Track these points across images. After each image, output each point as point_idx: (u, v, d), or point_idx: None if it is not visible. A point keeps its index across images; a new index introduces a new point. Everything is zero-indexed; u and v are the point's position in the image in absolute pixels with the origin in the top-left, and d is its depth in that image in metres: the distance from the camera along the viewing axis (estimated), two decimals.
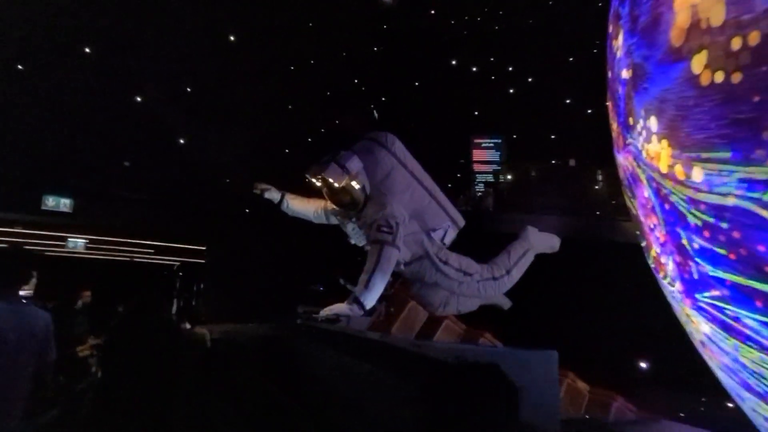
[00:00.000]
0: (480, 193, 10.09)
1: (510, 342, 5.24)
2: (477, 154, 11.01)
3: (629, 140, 3.52)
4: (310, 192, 4.86)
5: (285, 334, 3.19)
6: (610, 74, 4.14)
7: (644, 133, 3.10)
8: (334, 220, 4.72)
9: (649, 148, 3.07)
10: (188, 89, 6.80)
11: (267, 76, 6.62)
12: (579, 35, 11.65)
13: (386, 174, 4.22)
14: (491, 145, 11.08)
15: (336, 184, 4.07)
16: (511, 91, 11.93)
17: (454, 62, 11.58)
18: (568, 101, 11.85)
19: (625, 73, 3.35)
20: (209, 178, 5.85)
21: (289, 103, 6.24)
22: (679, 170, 2.70)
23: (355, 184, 4.13)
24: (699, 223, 2.61)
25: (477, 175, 10.92)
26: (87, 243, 12.16)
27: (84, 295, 5.91)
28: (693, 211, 2.65)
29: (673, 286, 3.44)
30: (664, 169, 2.87)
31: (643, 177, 3.34)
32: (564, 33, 11.20)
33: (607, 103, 4.36)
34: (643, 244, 4.10)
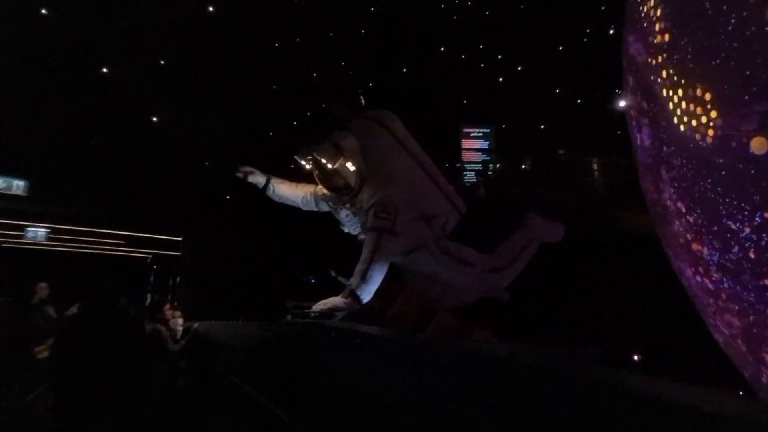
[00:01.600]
0: (471, 183, 9.84)
1: (506, 336, 4.95)
2: (466, 143, 10.76)
3: None
4: (299, 176, 4.47)
5: (274, 331, 2.81)
6: None
7: None
8: (325, 207, 4.33)
9: None
10: (162, 62, 6.10)
11: (249, 52, 6.06)
12: (570, 23, 11.41)
13: (384, 155, 3.86)
14: (480, 134, 10.83)
15: (329, 165, 3.69)
16: (501, 79, 11.63)
17: (442, 49, 11.21)
18: (557, 90, 11.61)
19: None
20: (186, 161, 5.26)
21: (273, 83, 5.75)
22: None
23: (349, 166, 3.76)
24: None
25: (466, 165, 10.67)
26: (49, 233, 11.07)
27: (40, 288, 5.29)
28: None
29: None
30: None
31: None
32: (555, 21, 10.93)
33: None
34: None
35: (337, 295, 3.53)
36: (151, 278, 11.71)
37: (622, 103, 10.56)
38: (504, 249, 4.41)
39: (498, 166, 10.86)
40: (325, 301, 3.40)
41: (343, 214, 4.06)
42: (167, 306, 4.65)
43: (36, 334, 4.03)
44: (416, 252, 4.03)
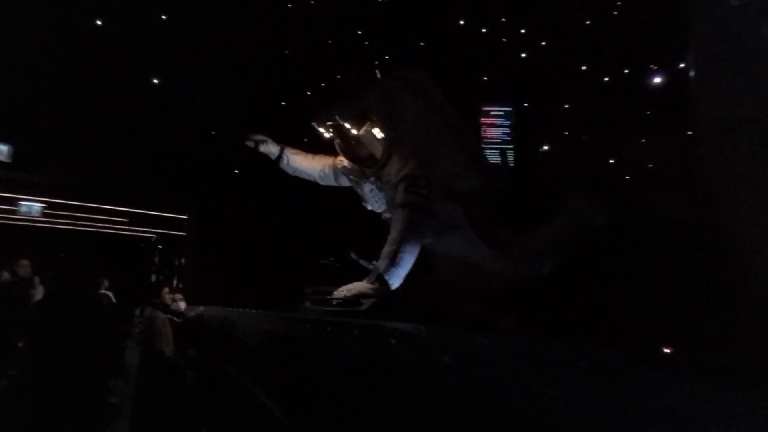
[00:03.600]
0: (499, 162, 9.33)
1: (532, 327, 4.50)
2: (486, 122, 10.21)
3: None
4: (316, 148, 4.01)
5: (290, 324, 2.39)
6: None
7: None
8: (345, 182, 3.88)
9: None
10: (163, 17, 5.47)
11: (261, 10, 5.49)
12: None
13: (417, 121, 3.39)
14: (500, 113, 10.27)
15: (353, 131, 3.23)
16: (523, 55, 10.99)
17: (462, 22, 10.58)
18: (583, 68, 10.96)
19: None
20: (190, 129, 4.77)
21: (286, 48, 5.26)
22: None
23: (377, 132, 3.30)
24: None
25: (484, 144, 10.15)
26: (45, 208, 10.16)
27: (21, 266, 4.76)
28: None
29: None
30: None
31: None
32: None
33: None
34: None
35: (361, 279, 3.11)
36: (156, 258, 11.32)
37: (657, 80, 9.82)
38: (543, 231, 3.94)
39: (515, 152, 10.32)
40: (349, 286, 2.97)
41: (367, 189, 3.61)
42: (166, 289, 4.23)
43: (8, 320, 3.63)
44: (447, 233, 3.59)
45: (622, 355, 1.79)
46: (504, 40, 10.88)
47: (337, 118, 3.18)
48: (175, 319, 3.95)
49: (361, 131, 3.21)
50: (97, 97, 4.37)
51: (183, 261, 10.66)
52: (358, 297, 2.91)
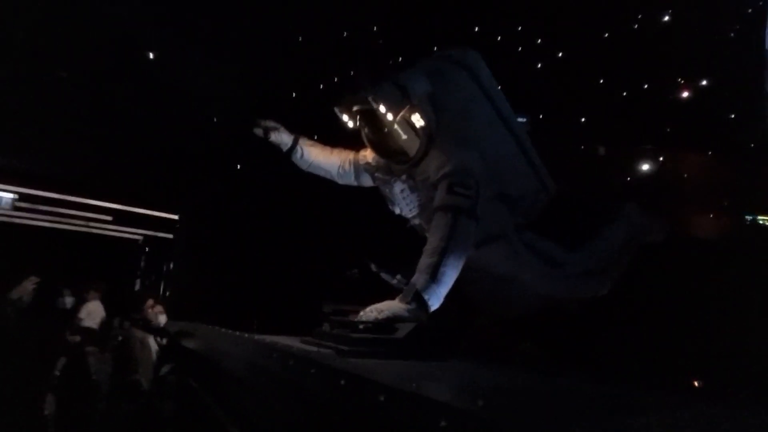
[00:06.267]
0: None
1: (556, 354, 3.88)
2: None
3: None
4: (336, 140, 3.44)
5: (291, 366, 1.79)
6: None
7: None
8: (367, 181, 3.30)
9: None
10: None
11: None
12: (619, 7, 10.29)
13: (464, 107, 2.83)
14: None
15: (389, 116, 2.65)
16: (539, 66, 10.48)
17: (476, 29, 10.08)
18: (601, 81, 10.46)
19: None
20: (188, 113, 4.12)
21: (299, 35, 4.72)
22: None
23: (416, 119, 2.73)
24: None
25: None
26: (16, 200, 8.83)
27: None
28: None
29: None
30: None
31: None
32: (602, 3, 9.78)
33: None
34: None
35: (391, 297, 2.51)
36: (142, 263, 10.50)
37: (684, 94, 9.43)
38: (597, 247, 3.39)
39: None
40: (380, 306, 2.37)
41: (397, 189, 3.03)
42: (150, 302, 3.55)
43: None
44: (490, 244, 3.01)
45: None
46: (520, 48, 10.49)
47: (371, 99, 2.60)
48: (158, 339, 3.29)
49: (400, 114, 2.64)
50: (81, 71, 3.76)
51: (171, 268, 9.79)
52: (391, 321, 2.30)
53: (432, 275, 2.47)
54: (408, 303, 2.40)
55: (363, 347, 2.09)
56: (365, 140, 3.00)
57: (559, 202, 3.57)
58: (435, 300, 2.48)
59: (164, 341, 3.12)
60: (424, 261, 2.54)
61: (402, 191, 3.01)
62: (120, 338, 3.15)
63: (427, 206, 2.92)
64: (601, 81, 11.32)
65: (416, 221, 3.13)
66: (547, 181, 3.17)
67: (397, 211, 3.14)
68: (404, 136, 2.85)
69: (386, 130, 2.82)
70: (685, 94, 9.43)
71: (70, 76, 3.89)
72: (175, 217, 6.10)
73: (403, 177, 2.99)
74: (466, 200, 2.63)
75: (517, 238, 3.10)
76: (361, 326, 2.26)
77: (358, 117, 2.96)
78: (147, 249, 10.62)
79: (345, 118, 3.00)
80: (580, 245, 3.37)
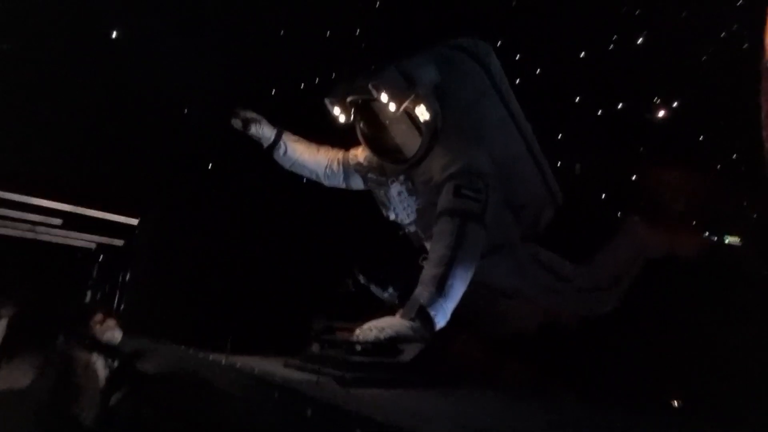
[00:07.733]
0: None
1: (549, 377, 3.59)
2: None
3: None
4: (324, 137, 3.10)
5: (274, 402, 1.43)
6: None
7: None
8: (357, 183, 2.98)
9: None
10: None
11: None
12: (596, 27, 10.51)
13: (473, 102, 2.57)
14: None
15: (391, 106, 2.35)
16: (517, 81, 10.48)
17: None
18: (577, 99, 10.59)
19: None
20: (155, 102, 3.66)
21: (281, 28, 4.38)
22: None
23: (421, 111, 2.44)
24: None
25: None
26: None
27: None
28: None
29: None
30: None
31: None
32: (579, 22, 9.96)
33: None
34: None
35: (390, 313, 2.17)
36: (94, 273, 9.65)
37: (661, 114, 9.65)
38: (605, 262, 3.17)
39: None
40: (380, 323, 2.02)
41: (394, 192, 2.72)
42: (99, 316, 3.04)
43: None
44: (493, 255, 2.73)
45: None
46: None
47: (371, 87, 2.29)
48: (108, 360, 2.77)
49: (404, 104, 2.34)
50: (28, 44, 3.23)
51: (128, 278, 8.97)
52: (394, 340, 1.96)
53: (438, 288, 2.15)
54: (411, 320, 2.07)
55: (364, 373, 1.74)
56: (360, 136, 2.69)
57: (563, 215, 3.35)
58: (441, 316, 2.17)
59: (115, 363, 2.65)
60: (429, 272, 2.23)
61: (399, 194, 2.71)
62: (58, 361, 2.63)
63: (426, 211, 2.62)
64: (577, 99, 11.52)
65: (412, 228, 2.83)
66: (554, 189, 2.93)
67: (392, 216, 2.83)
68: (403, 132, 2.56)
69: (386, 122, 2.52)
70: (662, 114, 9.66)
71: (14, 49, 3.38)
72: (134, 221, 5.50)
73: (401, 178, 2.69)
74: (475, 204, 2.35)
75: (523, 249, 2.84)
76: (359, 347, 1.91)
77: (352, 110, 2.65)
78: (101, 256, 9.80)
79: (337, 111, 2.68)
80: (586, 259, 3.15)
